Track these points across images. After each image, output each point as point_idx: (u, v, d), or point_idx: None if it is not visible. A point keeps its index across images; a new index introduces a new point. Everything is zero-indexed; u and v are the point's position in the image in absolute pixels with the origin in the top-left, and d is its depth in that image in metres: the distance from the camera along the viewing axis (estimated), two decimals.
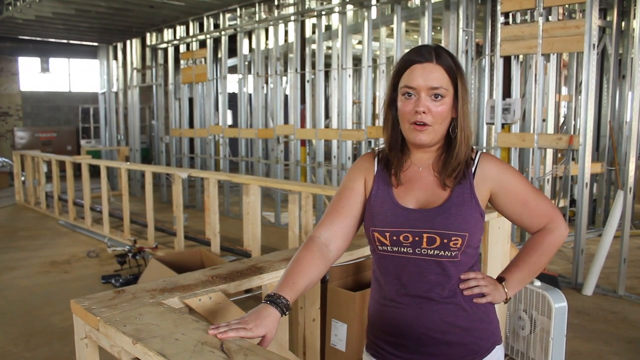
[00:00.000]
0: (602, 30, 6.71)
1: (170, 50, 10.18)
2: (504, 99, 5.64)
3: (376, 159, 1.51)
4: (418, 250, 1.39)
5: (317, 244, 1.43)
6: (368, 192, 1.48)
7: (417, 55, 1.38)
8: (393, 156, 1.46)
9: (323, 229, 1.46)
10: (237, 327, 1.21)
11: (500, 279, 1.52)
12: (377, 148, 1.55)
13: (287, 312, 1.31)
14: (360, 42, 9.63)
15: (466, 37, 6.04)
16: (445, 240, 1.36)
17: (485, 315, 1.47)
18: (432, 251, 1.38)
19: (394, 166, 1.45)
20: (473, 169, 1.43)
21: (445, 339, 1.41)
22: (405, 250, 1.40)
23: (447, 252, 1.38)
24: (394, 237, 1.40)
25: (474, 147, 1.48)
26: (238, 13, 8.58)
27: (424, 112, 1.36)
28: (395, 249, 1.41)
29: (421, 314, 1.42)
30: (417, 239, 1.38)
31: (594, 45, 4.85)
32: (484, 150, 5.88)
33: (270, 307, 1.27)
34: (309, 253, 1.41)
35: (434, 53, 1.38)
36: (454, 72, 1.38)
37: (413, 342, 1.43)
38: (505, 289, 1.49)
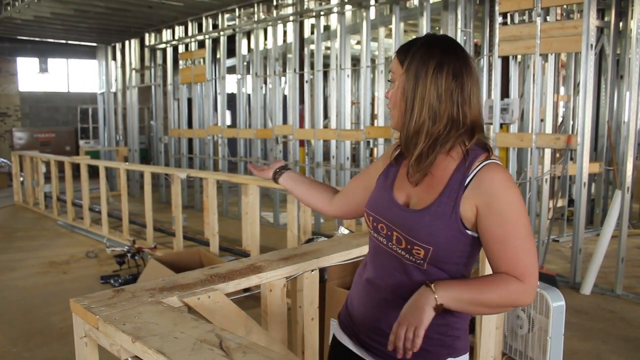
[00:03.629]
0: (600, 31, 6.72)
1: (169, 51, 10.18)
2: (502, 99, 5.65)
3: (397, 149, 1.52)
4: (389, 245, 1.39)
5: (330, 188, 1.74)
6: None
7: None
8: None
9: (339, 192, 1.70)
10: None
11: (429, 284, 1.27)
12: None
13: (281, 174, 1.80)
14: (358, 43, 9.63)
15: (464, 38, 6.05)
16: (409, 246, 1.33)
17: (444, 328, 1.37)
18: (400, 251, 1.36)
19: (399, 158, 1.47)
20: (468, 180, 1.29)
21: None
22: (381, 240, 1.42)
23: (412, 258, 1.34)
24: (374, 224, 1.42)
25: (492, 155, 1.33)
26: (237, 13, 8.58)
27: (387, 98, 1.41)
28: (375, 235, 1.44)
29: (381, 307, 1.41)
30: (389, 233, 1.38)
31: (591, 45, 4.86)
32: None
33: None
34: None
35: (398, 49, 1.40)
36: (404, 59, 1.34)
37: (370, 333, 1.44)
38: (435, 295, 1.23)
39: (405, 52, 1.35)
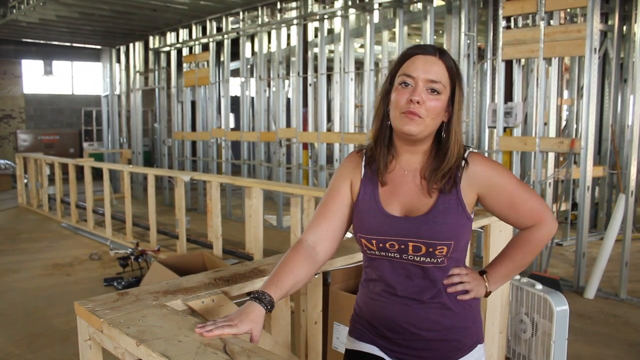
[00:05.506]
0: (604, 34, 6.71)
1: (173, 54, 10.21)
2: (505, 102, 5.65)
3: (363, 159, 1.50)
4: (405, 256, 1.42)
5: (304, 246, 1.46)
6: (355, 195, 1.48)
7: (420, 49, 1.39)
8: (378, 151, 1.45)
9: (310, 232, 1.48)
10: (222, 324, 1.23)
11: (483, 272, 1.55)
12: (364, 145, 1.53)
13: (271, 309, 1.32)
14: (362, 46, 9.64)
15: (468, 41, 6.06)
16: (431, 249, 1.38)
17: (470, 314, 1.49)
18: (419, 258, 1.41)
19: (380, 162, 1.44)
20: (460, 173, 1.41)
21: (430, 336, 1.45)
22: (392, 255, 1.43)
23: (433, 259, 1.40)
24: (380, 245, 1.42)
25: (465, 146, 1.46)
26: (241, 16, 8.61)
27: (418, 103, 1.33)
28: (382, 253, 1.44)
29: (408, 311, 1.45)
30: (402, 247, 1.40)
31: (595, 49, 4.86)
32: (486, 154, 5.89)
33: (255, 303, 1.29)
34: (295, 254, 1.43)
35: (438, 50, 1.39)
36: (454, 74, 1.38)
37: (398, 336, 1.47)
38: (487, 283, 1.52)
39: (450, 63, 1.38)
